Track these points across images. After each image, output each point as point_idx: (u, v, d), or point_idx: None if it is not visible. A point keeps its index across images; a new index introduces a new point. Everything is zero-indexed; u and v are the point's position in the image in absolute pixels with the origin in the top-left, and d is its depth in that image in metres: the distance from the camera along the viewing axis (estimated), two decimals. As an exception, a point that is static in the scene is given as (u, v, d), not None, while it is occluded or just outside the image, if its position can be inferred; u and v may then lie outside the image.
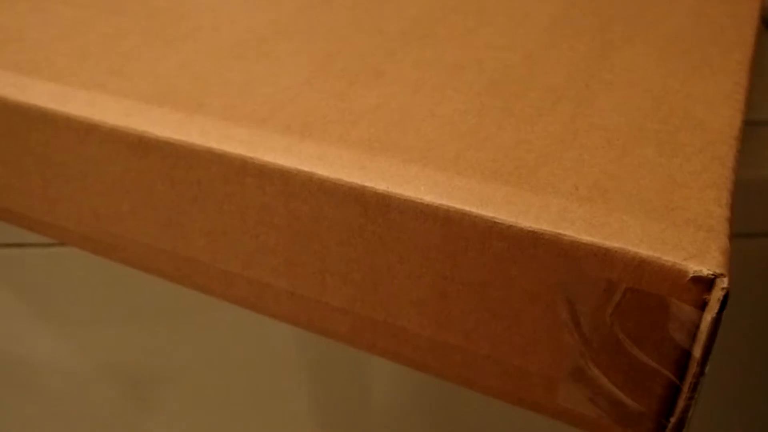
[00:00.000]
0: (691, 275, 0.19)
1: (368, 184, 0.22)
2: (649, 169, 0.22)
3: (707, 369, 0.20)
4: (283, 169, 0.23)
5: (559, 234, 0.20)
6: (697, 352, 0.20)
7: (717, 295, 0.19)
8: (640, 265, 0.19)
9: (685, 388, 0.20)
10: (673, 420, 0.21)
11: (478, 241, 0.21)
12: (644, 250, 0.19)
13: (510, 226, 0.21)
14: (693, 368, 0.20)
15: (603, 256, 0.20)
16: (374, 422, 0.39)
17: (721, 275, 0.19)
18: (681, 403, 0.21)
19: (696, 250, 0.19)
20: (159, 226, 0.27)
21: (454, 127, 0.24)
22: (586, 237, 0.20)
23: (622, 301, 0.20)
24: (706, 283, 0.19)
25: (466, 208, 0.21)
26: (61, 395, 0.40)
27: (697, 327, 0.19)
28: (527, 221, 0.21)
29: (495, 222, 0.21)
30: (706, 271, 0.19)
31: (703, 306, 0.19)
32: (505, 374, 0.23)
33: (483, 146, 0.23)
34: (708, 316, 0.19)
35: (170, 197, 0.26)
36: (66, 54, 0.30)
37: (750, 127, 0.39)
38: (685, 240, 0.20)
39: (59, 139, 0.27)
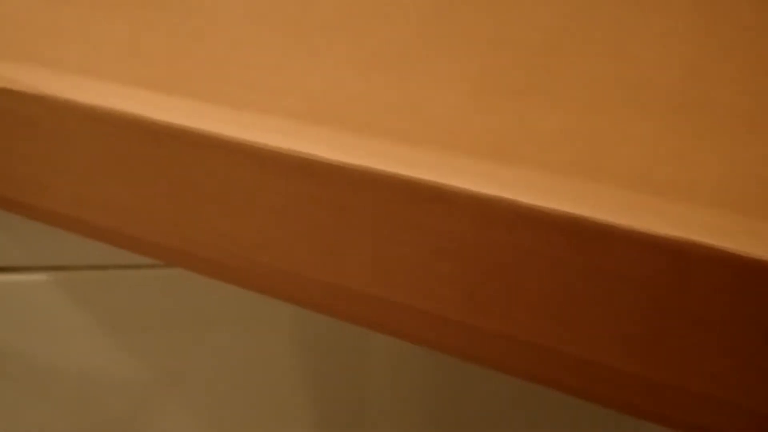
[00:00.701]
0: None
1: (586, 213, 0.20)
2: None
3: None
4: (480, 196, 0.21)
5: None
6: None
7: None
8: None
9: None
10: None
11: (711, 274, 0.20)
12: None
13: (755, 259, 0.19)
14: None
15: None
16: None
17: None
18: None
19: None
20: (316, 255, 0.25)
21: (653, 149, 0.23)
22: None
23: None
24: None
25: (703, 239, 0.19)
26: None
27: None
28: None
29: (734, 254, 0.19)
30: None
31: None
32: (719, 412, 0.22)
33: (690, 168, 0.22)
34: None
35: (333, 224, 0.24)
36: (191, 67, 0.28)
37: None
38: None
39: (201, 161, 0.25)
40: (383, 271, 0.25)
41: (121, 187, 0.28)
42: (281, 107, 0.25)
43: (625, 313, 0.22)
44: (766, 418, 0.21)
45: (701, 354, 0.21)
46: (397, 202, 0.23)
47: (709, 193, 0.21)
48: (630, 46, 0.29)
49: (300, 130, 0.24)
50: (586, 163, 0.22)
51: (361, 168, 0.23)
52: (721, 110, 0.25)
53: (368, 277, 0.25)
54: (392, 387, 0.37)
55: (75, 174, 0.29)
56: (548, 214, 0.21)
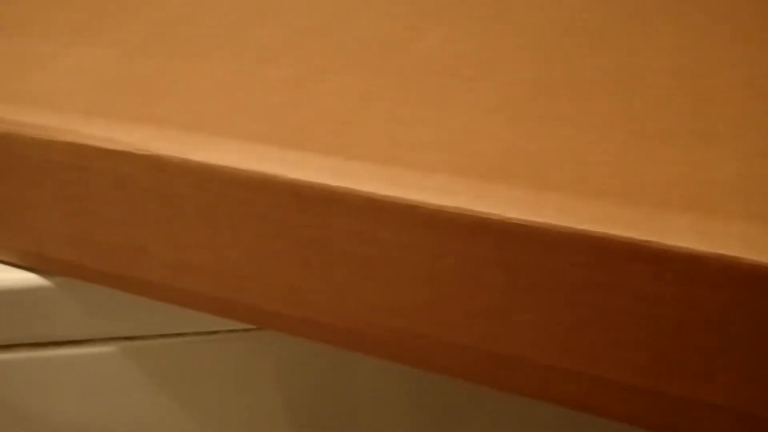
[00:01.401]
0: None
1: None
2: None
3: None
4: (693, 253, 0.20)
5: None
6: None
7: None
8: None
9: None
10: None
11: None
12: None
13: None
14: None
15: None
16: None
17: None
18: None
19: None
20: (476, 320, 0.23)
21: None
22: None
23: None
24: None
25: None
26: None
27: None
28: None
29: None
30: None
31: None
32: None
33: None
34: None
35: (499, 285, 0.22)
36: (307, 119, 0.26)
37: None
38: None
39: (345, 224, 0.23)
40: (557, 338, 0.23)
41: (238, 252, 0.26)
42: (429, 162, 0.23)
43: None
44: None
45: None
46: (589, 263, 0.21)
47: None
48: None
49: (463, 187, 0.22)
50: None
51: (545, 226, 0.21)
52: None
53: (547, 345, 0.23)
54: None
55: (179, 239, 0.27)
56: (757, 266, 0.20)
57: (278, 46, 0.31)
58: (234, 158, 0.24)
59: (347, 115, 0.26)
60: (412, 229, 0.23)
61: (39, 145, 0.27)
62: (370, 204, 0.23)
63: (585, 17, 0.32)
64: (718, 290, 0.20)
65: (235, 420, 0.35)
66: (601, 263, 0.21)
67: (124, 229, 0.27)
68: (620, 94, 0.26)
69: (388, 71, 0.28)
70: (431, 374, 0.33)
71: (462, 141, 0.24)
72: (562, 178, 0.22)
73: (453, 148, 0.24)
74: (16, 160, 0.28)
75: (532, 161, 0.23)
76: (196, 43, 0.31)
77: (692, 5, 0.33)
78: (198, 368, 0.34)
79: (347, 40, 0.31)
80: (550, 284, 0.22)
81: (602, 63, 0.28)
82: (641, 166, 0.23)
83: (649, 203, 0.21)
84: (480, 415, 0.35)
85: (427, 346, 0.25)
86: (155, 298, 0.29)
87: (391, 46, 0.30)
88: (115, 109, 0.27)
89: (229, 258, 0.26)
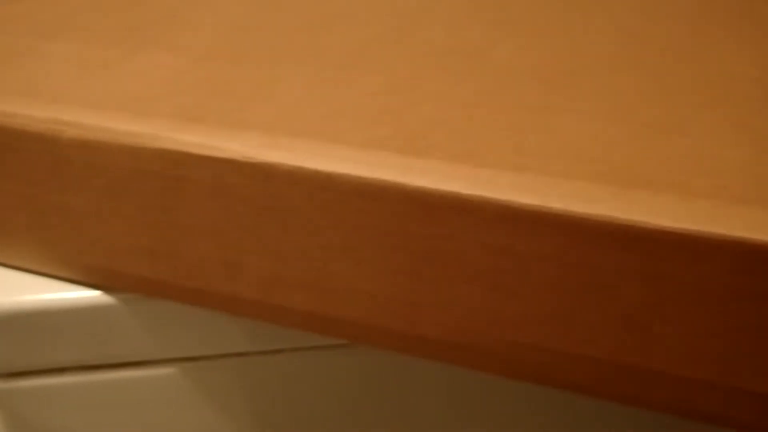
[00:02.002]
0: None
1: None
2: None
3: None
4: None
5: None
6: None
7: None
8: None
9: None
10: None
11: None
12: None
13: None
14: None
15: None
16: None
17: None
18: None
19: None
20: (609, 332, 0.23)
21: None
22: None
23: None
24: None
25: None
26: None
27: None
28: None
29: None
30: None
31: None
32: None
33: None
34: None
35: (638, 295, 0.22)
36: (422, 125, 0.25)
37: None
38: None
39: (477, 234, 0.22)
40: (701, 347, 0.22)
41: (346, 266, 0.25)
42: (561, 169, 0.23)
43: None
44: None
45: None
46: (744, 269, 0.21)
47: None
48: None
49: (605, 194, 0.22)
50: None
51: (695, 233, 0.21)
52: None
53: (689, 357, 0.22)
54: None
55: (279, 252, 0.25)
56: None
57: (354, 52, 0.30)
58: (351, 166, 0.23)
59: (457, 121, 0.25)
60: (550, 239, 0.22)
61: (126, 152, 0.25)
62: (507, 213, 0.22)
63: (652, 16, 0.33)
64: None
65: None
66: (752, 270, 0.21)
67: (216, 242, 0.26)
68: (722, 97, 0.26)
69: (476, 77, 0.28)
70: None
71: (587, 147, 0.24)
72: (702, 185, 0.22)
73: (581, 155, 0.23)
74: (95, 170, 0.26)
75: (667, 167, 0.23)
76: (267, 48, 0.30)
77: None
78: (264, 389, 0.33)
79: (423, 47, 0.30)
80: (695, 293, 0.21)
81: (684, 65, 0.29)
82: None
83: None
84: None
85: (551, 360, 0.24)
86: (242, 314, 0.27)
87: (469, 52, 0.30)
88: (207, 114, 0.26)
89: (336, 272, 0.25)
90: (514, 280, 0.23)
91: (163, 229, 0.26)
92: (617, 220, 0.21)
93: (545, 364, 0.24)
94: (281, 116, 0.25)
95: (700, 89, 0.27)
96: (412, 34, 0.32)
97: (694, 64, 0.29)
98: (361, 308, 0.25)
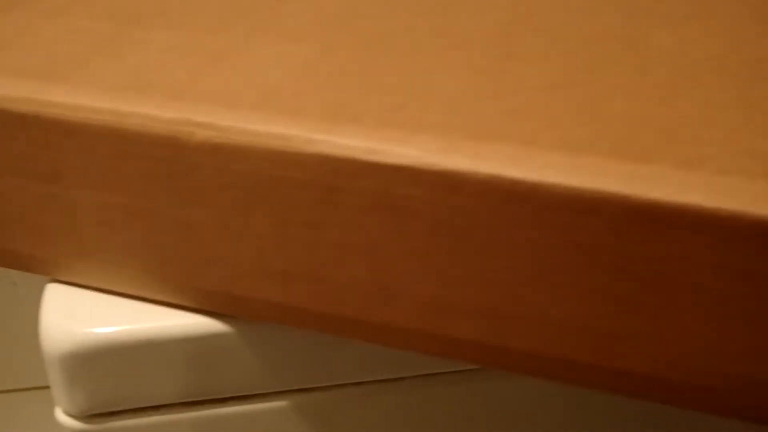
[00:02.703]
0: None
1: None
2: None
3: None
4: None
5: None
6: None
7: None
8: None
9: None
10: None
11: None
12: None
13: None
14: None
15: None
16: None
17: None
18: None
19: None
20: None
21: None
22: None
23: None
24: None
25: None
26: None
27: None
28: None
29: None
30: None
31: None
32: None
33: None
34: None
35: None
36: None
37: None
38: None
39: (712, 255, 0.19)
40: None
41: (536, 292, 0.21)
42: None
43: None
44: None
45: None
46: None
47: None
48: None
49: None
50: None
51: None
52: None
53: None
54: None
55: (448, 275, 0.21)
56: None
57: (500, 36, 0.26)
58: (562, 174, 0.19)
59: (669, 121, 0.21)
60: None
61: (270, 158, 0.21)
62: (759, 230, 0.18)
63: None
64: None
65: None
66: None
67: (370, 263, 0.22)
68: None
69: (656, 69, 0.24)
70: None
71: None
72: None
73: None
74: (228, 179, 0.22)
75: None
76: (398, 35, 0.26)
77: None
78: (384, 419, 0.29)
79: (574, 37, 0.27)
80: None
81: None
82: None
83: None
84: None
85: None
86: (390, 344, 0.24)
87: (623, 43, 0.26)
88: (363, 113, 0.22)
89: (523, 298, 0.21)
90: (759, 308, 0.19)
91: (304, 249, 0.22)
92: None
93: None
94: (452, 115, 0.22)
95: None
96: (550, 22, 0.28)
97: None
98: (546, 339, 0.22)
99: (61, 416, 0.27)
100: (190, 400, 0.27)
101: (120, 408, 0.26)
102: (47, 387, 0.27)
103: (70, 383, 0.25)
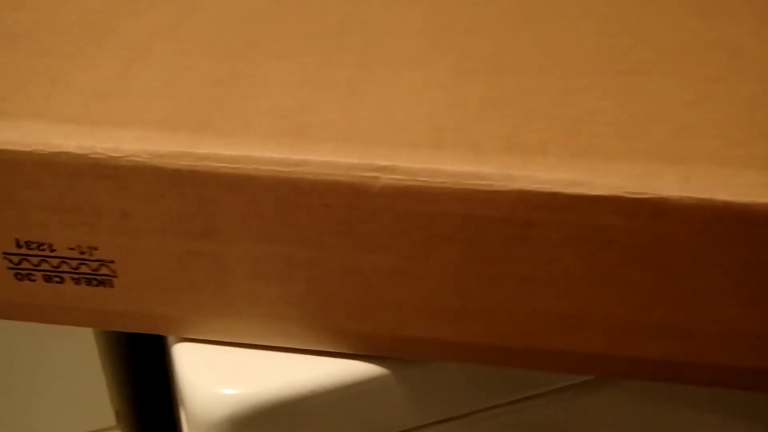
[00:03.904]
0: None
1: None
2: None
3: None
4: None
5: None
6: None
7: None
8: None
9: None
10: None
11: None
12: None
13: None
14: None
15: None
16: None
17: None
18: None
19: None
20: None
21: None
22: None
23: None
24: None
25: None
26: None
27: None
28: None
29: None
30: None
31: None
32: None
33: None
34: None
35: None
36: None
37: None
38: None
39: None
40: None
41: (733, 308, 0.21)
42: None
43: None
44: None
45: None
46: None
47: None
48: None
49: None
50: None
51: None
52: None
53: None
54: None
55: (644, 299, 0.21)
56: None
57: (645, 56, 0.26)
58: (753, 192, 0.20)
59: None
60: None
61: (461, 198, 0.20)
62: None
63: None
64: None
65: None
66: None
67: (557, 294, 0.22)
68: None
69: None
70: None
71: None
72: None
73: None
74: (412, 222, 0.21)
75: None
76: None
77: None
78: None
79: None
80: None
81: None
82: None
83: None
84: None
85: None
86: (569, 370, 0.23)
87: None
88: (545, 142, 0.21)
89: (716, 314, 0.21)
90: None
91: (487, 285, 0.22)
92: None
93: None
94: (633, 138, 0.21)
95: None
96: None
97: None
98: (737, 350, 0.22)
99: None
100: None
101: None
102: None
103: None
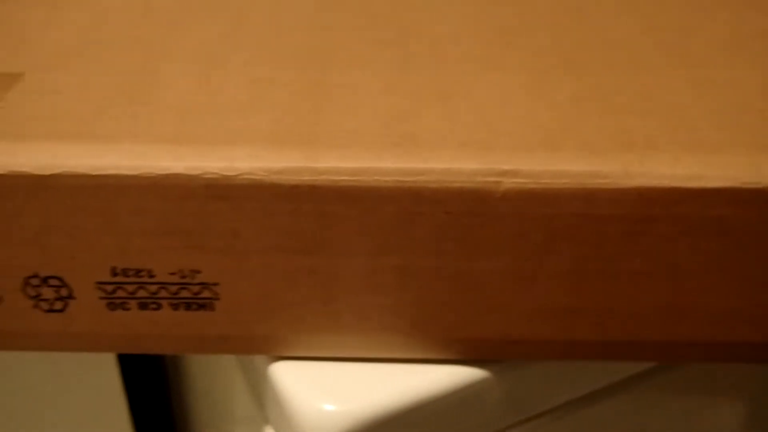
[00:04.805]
0: None
1: None
2: None
3: None
4: None
5: None
6: None
7: None
8: None
9: None
10: None
11: None
12: None
13: None
14: None
15: None
16: None
17: None
18: None
19: None
20: None
21: None
22: None
23: None
24: None
25: None
26: None
27: None
28: None
29: None
30: None
31: None
32: None
33: None
34: None
35: None
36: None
37: None
38: None
39: None
40: None
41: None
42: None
43: None
44: None
45: None
46: None
47: None
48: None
49: None
50: None
51: None
52: None
53: None
54: None
55: (748, 287, 0.22)
56: None
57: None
58: None
59: None
60: None
61: (582, 198, 0.21)
62: None
63: None
64: None
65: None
66: None
67: (668, 286, 0.22)
68: None
69: None
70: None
71: None
72: None
73: None
74: (530, 224, 0.21)
75: None
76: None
77: None
78: None
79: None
80: None
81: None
82: None
83: None
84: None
85: None
86: (674, 359, 0.24)
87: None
88: (655, 139, 0.22)
89: None
90: None
91: (598, 282, 0.22)
92: None
93: None
94: (723, 130, 0.22)
95: None
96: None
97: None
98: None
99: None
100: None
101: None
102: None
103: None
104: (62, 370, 0.41)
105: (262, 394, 0.26)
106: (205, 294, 0.22)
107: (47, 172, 0.20)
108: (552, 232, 0.21)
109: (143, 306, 0.23)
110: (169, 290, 0.22)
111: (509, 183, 0.21)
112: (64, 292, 0.22)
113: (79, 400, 0.42)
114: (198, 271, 0.22)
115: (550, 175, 0.21)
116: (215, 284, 0.22)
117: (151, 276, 0.22)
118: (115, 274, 0.22)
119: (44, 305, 0.23)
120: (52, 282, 0.22)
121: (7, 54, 0.26)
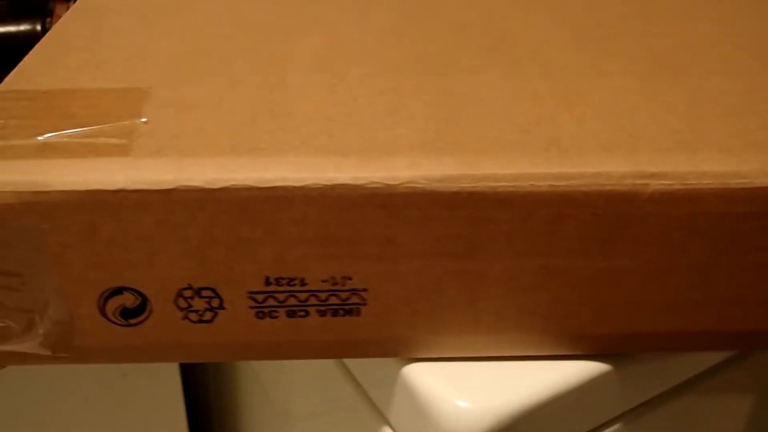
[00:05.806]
0: None
1: None
2: None
3: None
4: None
5: None
6: None
7: None
8: None
9: None
10: None
11: None
12: None
13: None
14: None
15: None
16: None
17: None
18: None
19: None
20: None
21: None
22: None
23: None
24: None
25: None
26: None
27: None
28: None
29: None
30: None
31: None
32: None
33: None
34: None
35: None
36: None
37: None
38: None
39: None
40: None
41: None
42: None
43: None
44: None
45: None
46: None
47: None
48: None
49: None
50: None
51: None
52: None
53: None
54: None
55: None
56: None
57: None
58: None
59: None
60: None
61: (722, 197, 0.22)
62: None
63: None
64: None
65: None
66: None
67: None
68: None
69: None
70: None
71: None
72: None
73: None
74: (676, 223, 0.22)
75: None
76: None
77: None
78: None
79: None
80: None
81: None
82: None
83: None
84: None
85: None
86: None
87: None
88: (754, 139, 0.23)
89: None
90: None
91: (728, 275, 0.23)
92: None
93: None
94: None
95: None
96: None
97: None
98: None
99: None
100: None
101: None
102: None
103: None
104: (126, 382, 0.41)
105: (384, 395, 0.27)
106: (353, 300, 0.23)
107: (216, 186, 0.21)
108: (690, 230, 0.22)
109: (291, 314, 0.23)
110: (318, 297, 0.23)
111: (656, 185, 0.22)
112: (215, 303, 0.23)
113: (140, 410, 0.42)
114: (349, 278, 0.23)
115: (695, 176, 0.22)
116: (364, 290, 0.23)
117: (303, 284, 0.23)
118: (268, 284, 0.23)
119: (193, 316, 0.23)
120: (205, 293, 0.23)
121: (123, 69, 0.26)
